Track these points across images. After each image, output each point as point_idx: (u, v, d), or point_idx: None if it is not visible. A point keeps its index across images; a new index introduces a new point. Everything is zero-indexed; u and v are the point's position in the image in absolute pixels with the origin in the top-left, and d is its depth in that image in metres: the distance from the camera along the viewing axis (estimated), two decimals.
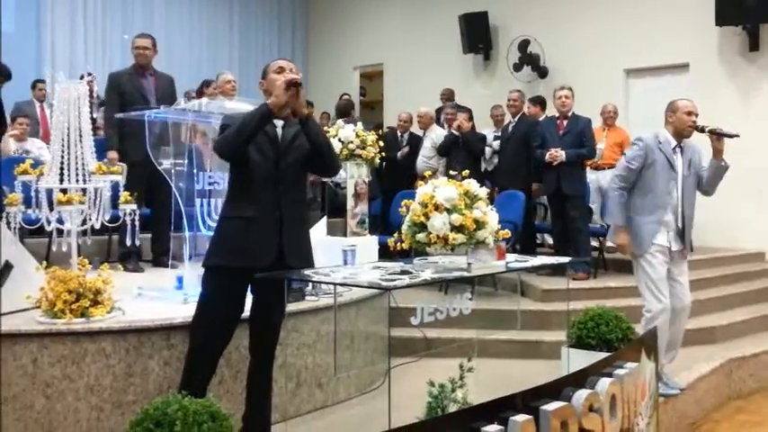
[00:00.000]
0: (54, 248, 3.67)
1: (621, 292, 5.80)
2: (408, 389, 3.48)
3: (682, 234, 4.24)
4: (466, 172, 3.26)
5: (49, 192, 3.63)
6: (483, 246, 3.02)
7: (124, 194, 3.86)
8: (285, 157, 3.15)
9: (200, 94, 7.68)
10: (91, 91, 4.15)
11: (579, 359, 3.32)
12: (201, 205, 4.26)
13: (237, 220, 3.11)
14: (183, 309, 3.79)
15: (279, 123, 3.15)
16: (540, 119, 7.45)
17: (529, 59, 9.55)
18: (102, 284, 3.54)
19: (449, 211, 2.96)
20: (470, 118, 7.55)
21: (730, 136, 4.12)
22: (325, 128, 4.90)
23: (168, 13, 10.79)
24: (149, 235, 5.87)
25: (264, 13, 12.15)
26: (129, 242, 3.96)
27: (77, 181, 3.66)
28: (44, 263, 3.74)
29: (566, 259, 4.25)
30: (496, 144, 7.71)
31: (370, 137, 5.20)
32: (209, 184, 4.28)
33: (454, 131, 7.45)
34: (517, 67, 9.64)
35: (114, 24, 10.13)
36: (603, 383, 2.61)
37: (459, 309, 3.08)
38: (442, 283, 5.06)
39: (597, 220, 6.90)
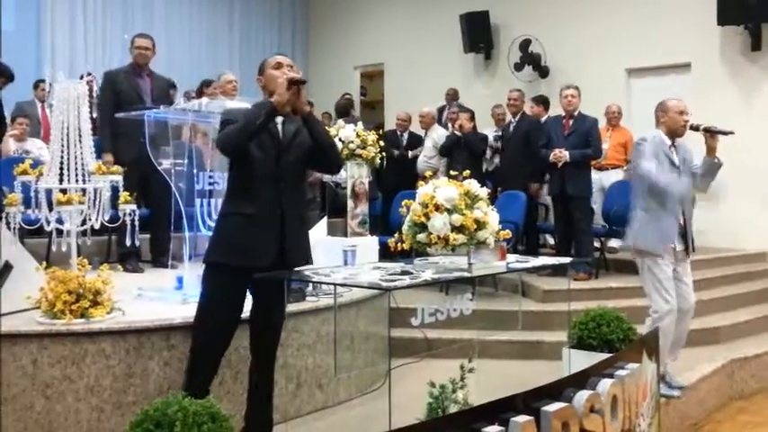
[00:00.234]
0: (54, 249, 3.67)
1: (623, 293, 5.79)
2: (409, 390, 3.47)
3: (684, 233, 4.23)
4: (467, 172, 3.25)
5: (49, 192, 3.62)
6: (485, 246, 3.01)
7: (124, 195, 3.85)
8: (286, 154, 3.14)
9: (199, 94, 7.67)
10: (90, 91, 4.14)
11: (580, 360, 3.31)
12: (201, 205, 4.25)
13: (238, 218, 3.11)
14: (182, 309, 3.79)
15: (279, 120, 3.15)
16: (543, 119, 7.45)
17: (530, 59, 9.54)
18: (101, 285, 3.53)
19: (449, 212, 2.95)
20: (472, 118, 7.54)
21: (725, 133, 4.10)
22: (326, 127, 4.88)
23: (168, 14, 10.77)
24: (148, 235, 5.85)
25: (265, 13, 12.14)
26: (128, 242, 3.95)
27: (77, 181, 3.66)
28: (44, 263, 3.73)
29: (567, 260, 4.24)
30: (497, 143, 7.70)
31: (371, 136, 5.19)
32: (210, 183, 4.27)
33: (456, 132, 7.44)
34: (518, 67, 9.62)
35: (114, 24, 10.12)
36: (605, 384, 2.60)
37: (459, 309, 3.07)
38: (443, 284, 5.06)
39: (599, 221, 6.88)
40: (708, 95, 8.07)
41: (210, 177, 4.28)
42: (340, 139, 5.03)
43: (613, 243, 7.10)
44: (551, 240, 7.57)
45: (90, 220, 3.66)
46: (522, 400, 2.26)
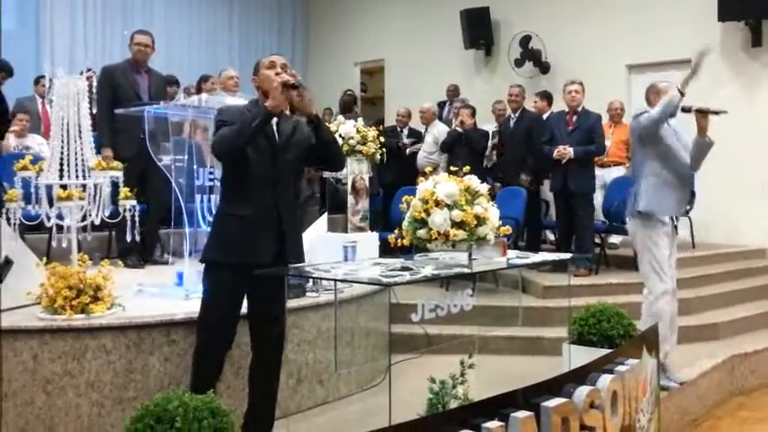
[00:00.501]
0: (54, 244, 3.66)
1: (623, 289, 5.79)
2: (409, 385, 3.48)
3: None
4: (467, 168, 3.25)
5: (49, 188, 3.61)
6: (485, 242, 3.01)
7: (124, 190, 3.85)
8: (282, 154, 3.15)
9: (198, 89, 7.66)
10: (90, 87, 4.13)
11: (580, 356, 3.31)
12: (202, 201, 4.24)
13: (235, 219, 3.11)
14: (183, 305, 3.79)
15: (273, 121, 3.14)
16: (546, 114, 7.43)
17: (530, 55, 9.52)
18: (102, 280, 3.53)
19: (449, 208, 2.95)
20: (473, 114, 7.54)
21: (717, 113, 4.20)
22: (326, 123, 4.88)
23: (168, 15, 10.75)
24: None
25: (264, 8, 12.11)
26: (128, 238, 3.95)
27: (77, 177, 3.65)
28: (44, 259, 3.73)
29: (567, 256, 4.25)
30: (494, 140, 7.68)
31: (371, 133, 5.19)
32: (210, 179, 4.27)
33: (457, 128, 7.44)
34: (518, 63, 9.61)
35: (114, 20, 10.10)
36: (605, 380, 2.61)
37: (459, 305, 3.07)
38: (443, 280, 5.06)
39: (599, 217, 6.88)
40: (708, 92, 8.05)
41: (210, 173, 4.28)
42: (340, 135, 5.03)
43: (614, 239, 7.11)
44: (551, 236, 7.56)
45: (90, 215, 3.66)
46: (523, 395, 2.27)
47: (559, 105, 7.03)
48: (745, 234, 7.67)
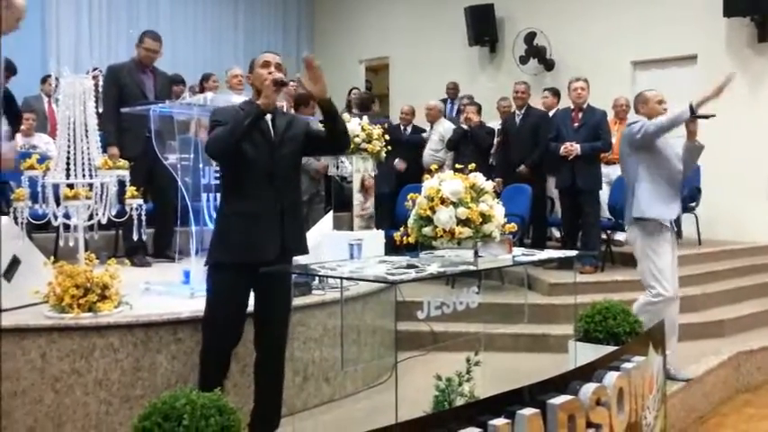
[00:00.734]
0: (61, 243, 3.68)
1: (629, 286, 5.76)
2: (415, 383, 3.48)
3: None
4: (472, 165, 3.25)
5: (56, 187, 3.63)
6: (491, 239, 3.01)
7: (130, 189, 3.86)
8: (280, 149, 3.17)
9: (201, 88, 7.69)
10: (96, 86, 4.14)
11: (586, 353, 3.31)
12: (208, 200, 4.25)
13: (239, 217, 3.13)
14: (190, 303, 3.80)
15: (268, 117, 3.16)
16: (553, 110, 7.41)
17: (535, 52, 9.50)
18: (109, 279, 3.55)
19: (455, 205, 2.95)
20: (479, 112, 7.54)
21: (706, 117, 4.21)
22: None
23: (173, 14, 10.75)
24: (152, 230, 5.87)
25: (270, 6, 12.11)
26: (135, 237, 3.97)
27: (84, 176, 3.67)
28: (51, 258, 3.75)
29: (573, 253, 4.24)
30: (497, 137, 7.67)
31: (376, 130, 5.18)
32: (216, 178, 4.28)
33: (463, 125, 7.43)
34: (523, 60, 9.59)
35: (119, 19, 10.11)
36: (611, 377, 2.61)
37: (465, 302, 3.07)
38: (449, 277, 5.07)
39: (605, 214, 6.87)
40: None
41: (216, 172, 4.28)
42: None
43: (619, 236, 7.09)
44: (557, 233, 7.55)
45: (97, 214, 3.67)
46: (529, 392, 2.27)
47: (565, 102, 7.02)
48: (751, 231, 7.65)
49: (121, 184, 3.83)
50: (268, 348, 3.31)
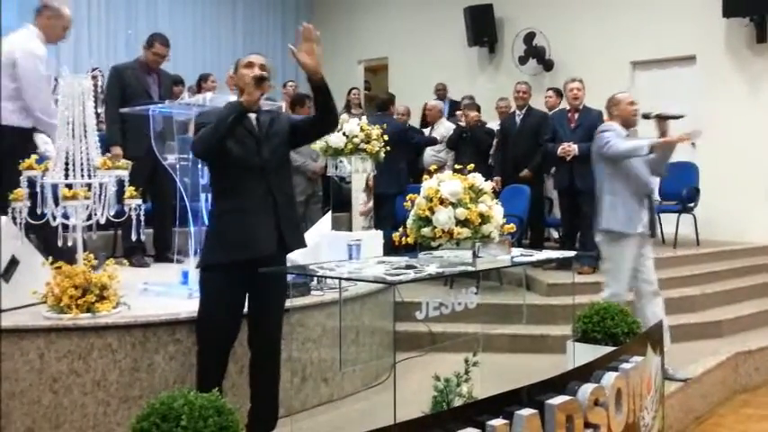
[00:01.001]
0: (60, 244, 3.68)
1: None
2: (414, 383, 3.49)
3: (651, 218, 4.46)
4: (471, 166, 3.25)
5: (55, 187, 3.63)
6: (490, 240, 3.01)
7: (129, 189, 3.86)
8: (267, 143, 3.19)
9: (198, 88, 7.69)
10: (95, 86, 4.14)
11: (585, 353, 3.31)
12: (206, 200, 4.25)
13: (233, 215, 3.14)
14: (188, 304, 3.80)
15: (252, 116, 3.19)
16: (555, 110, 7.42)
17: (534, 52, 9.51)
18: (107, 280, 3.55)
19: (454, 206, 2.95)
20: (478, 111, 7.55)
21: (676, 117, 4.37)
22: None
23: (172, 15, 10.72)
24: (151, 230, 5.87)
25: (268, 7, 12.09)
26: (134, 237, 3.96)
27: (82, 176, 3.67)
28: (50, 258, 3.74)
29: (571, 253, 4.26)
30: (496, 138, 7.68)
31: (375, 131, 5.18)
32: None
33: (460, 123, 7.44)
34: (522, 60, 9.60)
35: (118, 20, 10.10)
36: (609, 377, 2.61)
37: (464, 303, 3.07)
38: (448, 278, 5.07)
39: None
40: (713, 88, 8.05)
41: None
42: (344, 134, 5.02)
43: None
44: (555, 234, 7.56)
45: (95, 214, 3.67)
46: (527, 393, 2.27)
47: (563, 103, 7.03)
48: (750, 231, 7.66)
49: (120, 184, 3.83)
50: (263, 348, 3.32)
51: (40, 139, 7.13)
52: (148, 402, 2.10)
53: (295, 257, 3.89)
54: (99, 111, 5.44)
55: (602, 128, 4.54)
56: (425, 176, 3.22)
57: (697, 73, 8.27)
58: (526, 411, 2.18)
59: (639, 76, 8.88)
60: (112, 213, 3.74)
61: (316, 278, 4.11)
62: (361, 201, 5.17)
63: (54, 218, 3.59)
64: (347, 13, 11.98)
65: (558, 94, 7.82)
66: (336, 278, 3.13)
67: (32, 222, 3.65)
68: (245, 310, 3.30)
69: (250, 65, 3.18)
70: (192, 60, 10.50)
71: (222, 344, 3.24)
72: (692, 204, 7.15)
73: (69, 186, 3.62)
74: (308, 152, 6.27)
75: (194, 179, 4.23)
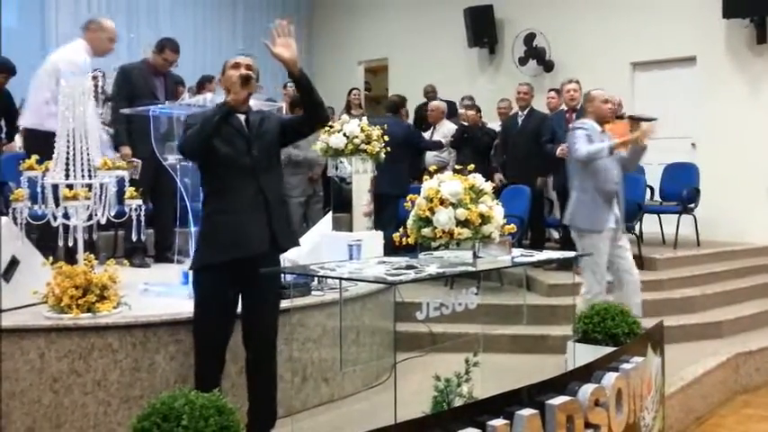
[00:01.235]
0: (60, 244, 3.68)
1: None
2: (414, 383, 3.49)
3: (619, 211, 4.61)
4: (471, 166, 3.25)
5: (55, 187, 3.63)
6: (490, 240, 3.01)
7: (130, 190, 3.86)
8: (256, 142, 3.20)
9: (200, 89, 7.67)
10: (96, 86, 4.16)
11: (585, 354, 3.31)
12: None
13: (225, 215, 3.14)
14: (188, 304, 3.77)
15: (242, 117, 3.20)
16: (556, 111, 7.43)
17: (534, 53, 9.51)
18: (108, 280, 3.55)
19: (454, 206, 2.96)
20: (478, 112, 7.56)
21: (648, 119, 4.53)
22: (330, 123, 4.88)
23: (173, 15, 10.72)
24: (151, 231, 5.87)
25: (268, 8, 12.09)
26: (134, 238, 3.97)
27: (83, 176, 3.67)
28: (50, 258, 3.75)
29: (572, 254, 4.26)
30: (496, 140, 7.67)
31: (375, 131, 5.18)
32: None
33: (464, 123, 7.44)
34: (522, 61, 9.60)
35: (119, 21, 10.06)
36: (609, 378, 2.62)
37: (464, 303, 3.07)
38: (448, 278, 5.07)
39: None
40: (713, 89, 8.05)
41: None
42: (344, 134, 5.03)
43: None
44: (556, 234, 7.56)
45: (96, 215, 3.67)
46: (528, 393, 2.27)
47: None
48: (750, 232, 7.66)
49: (121, 184, 3.83)
50: (258, 348, 3.32)
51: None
52: (149, 402, 2.10)
53: (295, 258, 3.90)
54: (101, 111, 5.44)
55: (575, 125, 4.66)
56: (426, 177, 3.23)
57: (697, 74, 8.28)
58: (527, 411, 2.18)
59: (640, 77, 8.88)
60: (113, 214, 3.75)
61: (316, 278, 4.11)
62: (365, 201, 5.17)
63: (55, 218, 3.59)
64: (347, 15, 11.99)
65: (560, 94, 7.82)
66: (337, 278, 3.13)
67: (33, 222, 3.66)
68: (241, 310, 3.30)
69: (236, 65, 3.20)
70: (192, 62, 10.46)
71: (217, 344, 3.25)
72: (692, 205, 7.15)
73: (70, 187, 3.62)
74: (306, 145, 6.27)
75: (195, 179, 4.22)
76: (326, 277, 3.53)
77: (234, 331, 3.33)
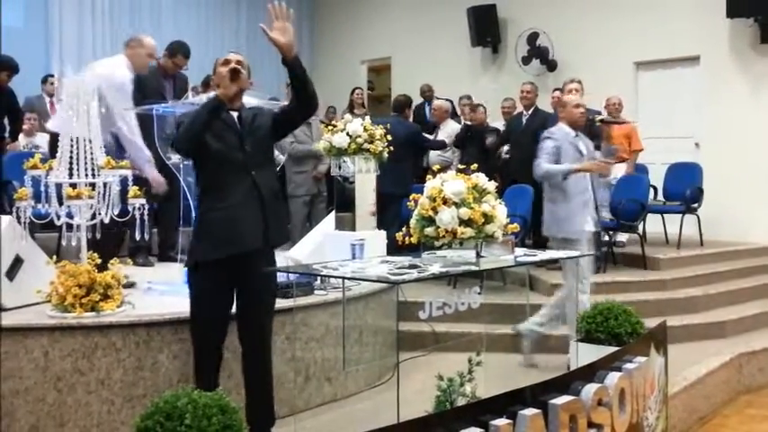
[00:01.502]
0: (64, 243, 3.69)
1: (631, 287, 5.78)
2: (417, 383, 3.49)
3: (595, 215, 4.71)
4: (474, 165, 3.25)
5: (59, 186, 3.64)
6: (493, 240, 3.01)
7: (133, 189, 3.87)
8: (249, 138, 3.20)
9: (205, 87, 7.68)
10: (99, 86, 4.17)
11: (588, 353, 3.31)
12: None
13: (219, 212, 3.15)
14: None
15: (235, 114, 3.22)
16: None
17: (537, 52, 9.50)
18: (111, 280, 3.55)
19: (457, 206, 2.95)
20: (477, 110, 7.57)
21: (619, 123, 4.70)
22: (333, 122, 4.88)
23: (176, 14, 10.71)
24: (156, 230, 5.88)
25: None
26: (138, 237, 3.97)
27: (86, 175, 3.67)
28: (54, 257, 3.76)
29: (575, 253, 4.24)
30: (496, 139, 7.66)
31: (378, 131, 5.18)
32: None
33: (468, 123, 7.44)
34: (526, 61, 9.59)
35: (122, 20, 10.11)
36: (612, 377, 2.61)
37: (467, 303, 3.07)
38: (451, 278, 5.07)
39: (606, 215, 6.86)
40: (717, 88, 8.04)
41: None
42: (348, 134, 5.02)
43: (621, 237, 7.09)
44: None
45: (99, 214, 3.68)
46: (531, 393, 2.27)
47: None
48: (753, 232, 7.64)
49: (124, 183, 3.84)
50: (252, 345, 3.31)
51: (43, 138, 7.15)
52: (152, 401, 2.11)
53: (298, 257, 3.90)
54: (102, 110, 5.44)
55: (545, 134, 4.76)
56: (429, 176, 3.23)
57: (701, 73, 8.26)
58: (529, 411, 2.18)
59: (643, 77, 8.87)
60: (116, 213, 3.75)
61: (319, 278, 4.11)
62: (371, 201, 5.17)
63: (58, 217, 3.60)
64: (350, 14, 11.99)
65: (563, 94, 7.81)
66: (340, 278, 3.13)
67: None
68: (236, 307, 3.31)
69: (226, 62, 3.22)
70: (196, 61, 10.44)
71: (213, 340, 3.25)
72: (695, 205, 7.14)
73: (73, 186, 3.63)
74: (305, 138, 6.26)
75: None
76: (329, 276, 3.53)
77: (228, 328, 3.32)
